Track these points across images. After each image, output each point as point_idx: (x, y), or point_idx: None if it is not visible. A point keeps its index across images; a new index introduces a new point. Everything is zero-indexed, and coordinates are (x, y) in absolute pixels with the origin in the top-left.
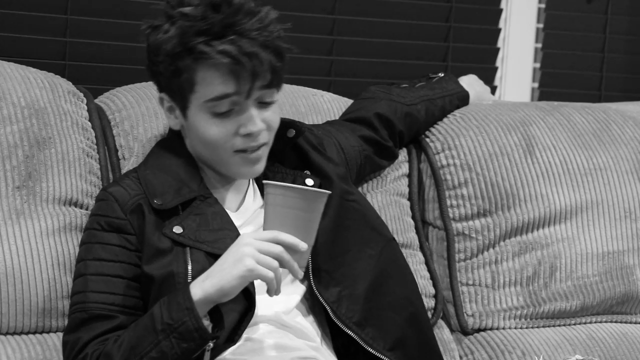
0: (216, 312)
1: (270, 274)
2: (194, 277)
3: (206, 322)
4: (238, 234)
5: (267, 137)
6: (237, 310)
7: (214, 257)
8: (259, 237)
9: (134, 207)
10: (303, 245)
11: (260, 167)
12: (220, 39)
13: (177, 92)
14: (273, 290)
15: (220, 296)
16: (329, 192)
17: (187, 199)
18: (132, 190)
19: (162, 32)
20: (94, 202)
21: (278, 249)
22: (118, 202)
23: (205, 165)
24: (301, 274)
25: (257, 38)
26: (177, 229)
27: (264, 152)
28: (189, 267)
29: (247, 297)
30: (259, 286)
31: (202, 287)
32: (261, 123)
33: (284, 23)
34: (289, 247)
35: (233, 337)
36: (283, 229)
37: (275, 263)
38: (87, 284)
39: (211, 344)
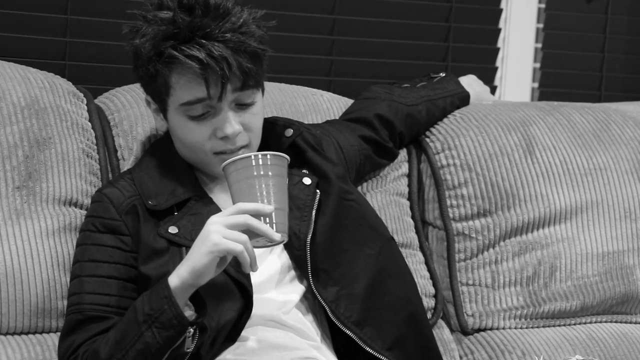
0: (198, 299)
1: (238, 246)
2: None
3: (189, 312)
4: None
5: (246, 139)
6: (235, 309)
7: None
8: (224, 214)
9: (128, 208)
10: (268, 208)
11: None
12: (188, 43)
13: (157, 95)
14: (247, 264)
15: (196, 278)
16: (284, 155)
17: (182, 199)
18: (127, 191)
19: (139, 36)
20: None
21: (243, 218)
22: (113, 203)
23: (194, 166)
24: (280, 236)
25: (227, 41)
26: (173, 229)
27: (246, 153)
28: None
29: (244, 295)
30: (257, 285)
31: (178, 274)
32: (237, 125)
33: (269, 21)
34: (255, 215)
35: (232, 336)
36: (246, 199)
37: (243, 236)
38: (83, 286)
39: (191, 330)
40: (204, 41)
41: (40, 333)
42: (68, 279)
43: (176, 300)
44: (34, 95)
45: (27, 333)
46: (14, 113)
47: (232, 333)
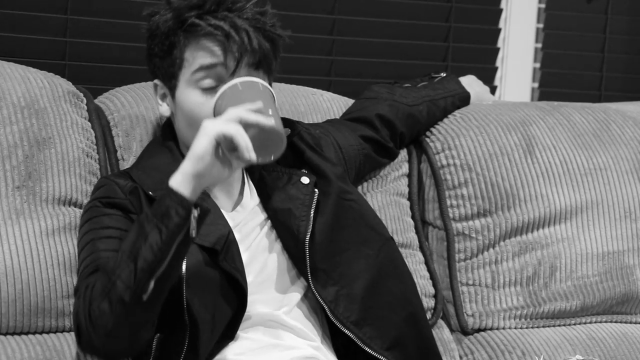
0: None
1: (233, 128)
2: (188, 269)
3: (196, 212)
4: (230, 230)
5: None
6: (230, 305)
7: (206, 250)
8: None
9: (132, 189)
10: (258, 103)
11: None
12: (213, 14)
13: (168, 71)
14: (244, 148)
15: (194, 163)
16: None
17: None
18: (128, 181)
19: (160, 15)
20: None
21: (237, 110)
22: (118, 185)
23: None
24: (274, 125)
25: (250, 19)
26: None
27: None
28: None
29: (238, 291)
30: (257, 285)
31: (179, 170)
32: None
33: (285, 28)
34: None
35: (229, 334)
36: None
37: (237, 124)
38: (97, 246)
39: (196, 213)
40: (227, 14)
41: (40, 333)
42: (68, 279)
43: (177, 191)
44: (34, 95)
45: (27, 333)
46: (14, 113)
47: (229, 330)
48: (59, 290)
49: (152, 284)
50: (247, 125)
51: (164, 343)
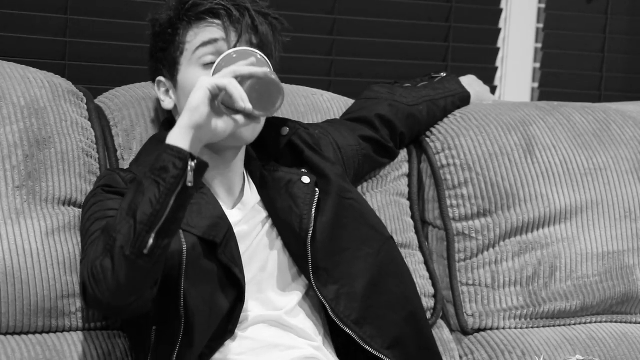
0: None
1: (226, 79)
2: (188, 258)
3: (193, 163)
4: (229, 224)
5: None
6: (228, 298)
7: (205, 242)
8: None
9: (132, 179)
10: (250, 60)
11: (245, 132)
12: None
13: (171, 60)
14: (239, 97)
15: (190, 114)
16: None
17: None
18: (129, 174)
19: (160, 14)
20: None
21: (231, 67)
22: (120, 176)
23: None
24: (268, 72)
25: (252, 3)
26: None
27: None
28: (184, 247)
29: (236, 285)
30: (259, 283)
31: (175, 125)
32: None
33: (285, 28)
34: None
35: (229, 328)
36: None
37: (231, 78)
38: (101, 223)
39: (193, 163)
40: None
41: (40, 333)
42: (69, 278)
43: (172, 143)
44: (34, 95)
45: (27, 333)
46: (14, 113)
47: (228, 324)
48: (59, 290)
49: (152, 238)
50: (243, 80)
51: (161, 334)
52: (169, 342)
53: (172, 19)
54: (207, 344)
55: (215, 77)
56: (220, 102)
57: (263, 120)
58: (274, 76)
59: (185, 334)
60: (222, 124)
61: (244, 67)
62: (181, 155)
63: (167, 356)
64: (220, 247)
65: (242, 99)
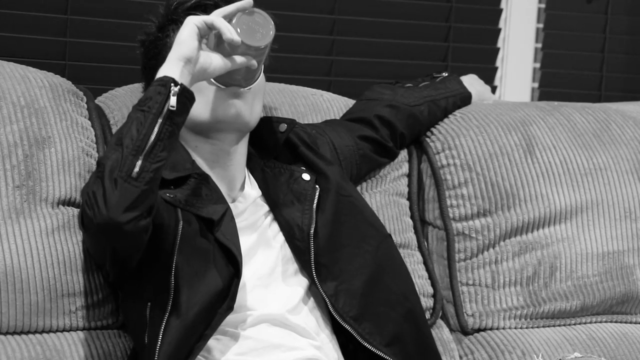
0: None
1: (212, 16)
2: (183, 234)
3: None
4: (228, 206)
5: None
6: (222, 277)
7: (203, 220)
8: None
9: None
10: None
11: (243, 107)
12: None
13: (163, 62)
14: (225, 29)
15: (179, 46)
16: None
17: (183, 174)
18: None
19: (150, 26)
20: None
21: (218, 11)
22: None
23: (195, 151)
24: (251, 2)
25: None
26: (169, 195)
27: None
28: (180, 223)
29: (232, 263)
30: (260, 278)
31: (165, 60)
32: None
33: (285, 28)
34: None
35: (229, 305)
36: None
37: (216, 16)
38: None
39: (177, 89)
40: None
41: (40, 333)
42: (69, 278)
43: (161, 75)
44: (34, 95)
45: (27, 333)
46: (14, 112)
47: (225, 301)
48: (59, 289)
49: (140, 161)
50: (231, 18)
51: (153, 308)
52: (159, 316)
53: (161, 24)
54: (203, 320)
55: (202, 16)
56: (215, 44)
57: (260, 76)
58: (260, 10)
59: (174, 306)
60: (216, 60)
61: (230, 6)
62: (163, 82)
63: (157, 328)
64: (217, 226)
65: (230, 31)
